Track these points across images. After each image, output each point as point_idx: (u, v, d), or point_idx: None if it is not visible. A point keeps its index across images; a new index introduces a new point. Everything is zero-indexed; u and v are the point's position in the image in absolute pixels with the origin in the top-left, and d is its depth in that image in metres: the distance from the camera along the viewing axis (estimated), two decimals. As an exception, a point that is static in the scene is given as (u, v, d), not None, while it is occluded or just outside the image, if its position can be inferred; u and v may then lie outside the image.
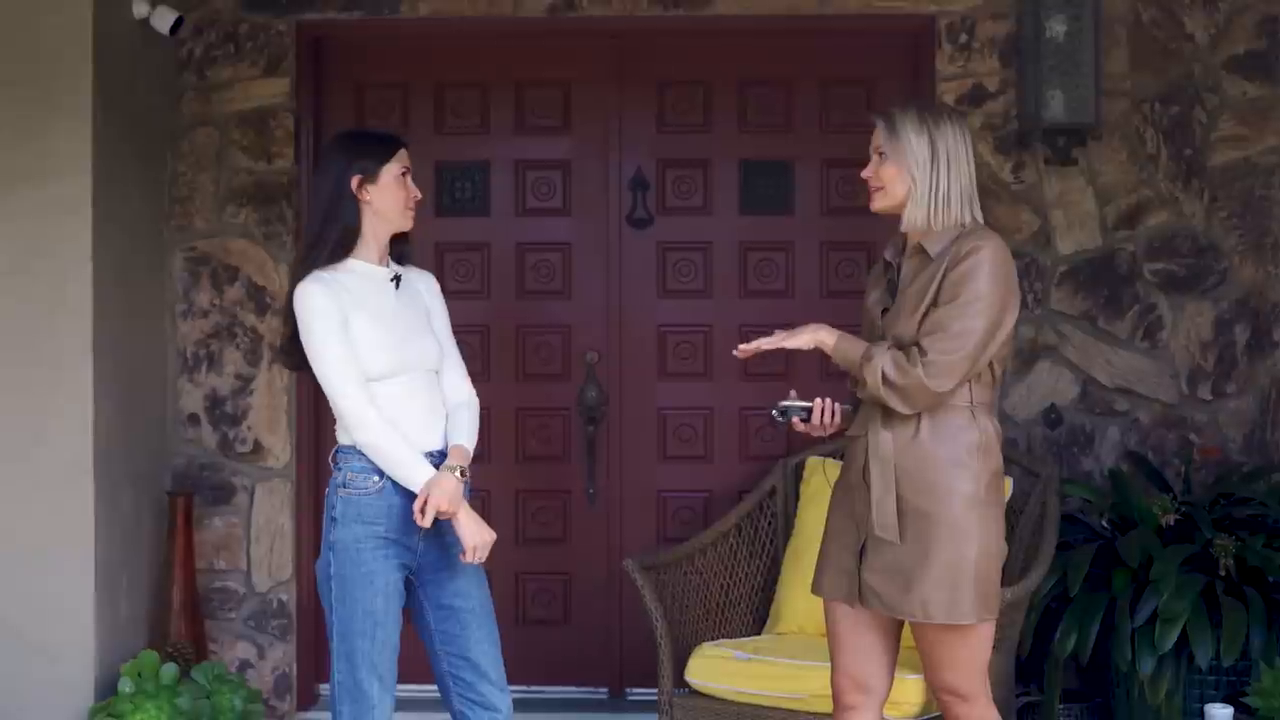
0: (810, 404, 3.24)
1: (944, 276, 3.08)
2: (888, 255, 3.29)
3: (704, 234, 5.02)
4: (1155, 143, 4.84)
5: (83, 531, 4.31)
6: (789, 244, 5.00)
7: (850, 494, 3.24)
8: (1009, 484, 4.33)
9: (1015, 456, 4.53)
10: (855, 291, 4.63)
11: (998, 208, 4.84)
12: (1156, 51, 4.83)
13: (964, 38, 4.85)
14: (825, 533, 3.33)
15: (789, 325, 4.80)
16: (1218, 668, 4.17)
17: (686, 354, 5.02)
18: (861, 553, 3.18)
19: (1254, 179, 4.83)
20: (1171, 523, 4.35)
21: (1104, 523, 4.54)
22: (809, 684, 3.79)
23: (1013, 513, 4.33)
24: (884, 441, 3.13)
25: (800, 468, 4.59)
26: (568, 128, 5.03)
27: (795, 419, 3.24)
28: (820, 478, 4.40)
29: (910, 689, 3.66)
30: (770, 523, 4.58)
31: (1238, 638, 4.08)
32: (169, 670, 4.33)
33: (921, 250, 3.16)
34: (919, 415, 3.11)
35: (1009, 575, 4.16)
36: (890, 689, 3.32)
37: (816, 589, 3.31)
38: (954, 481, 3.09)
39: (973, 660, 3.17)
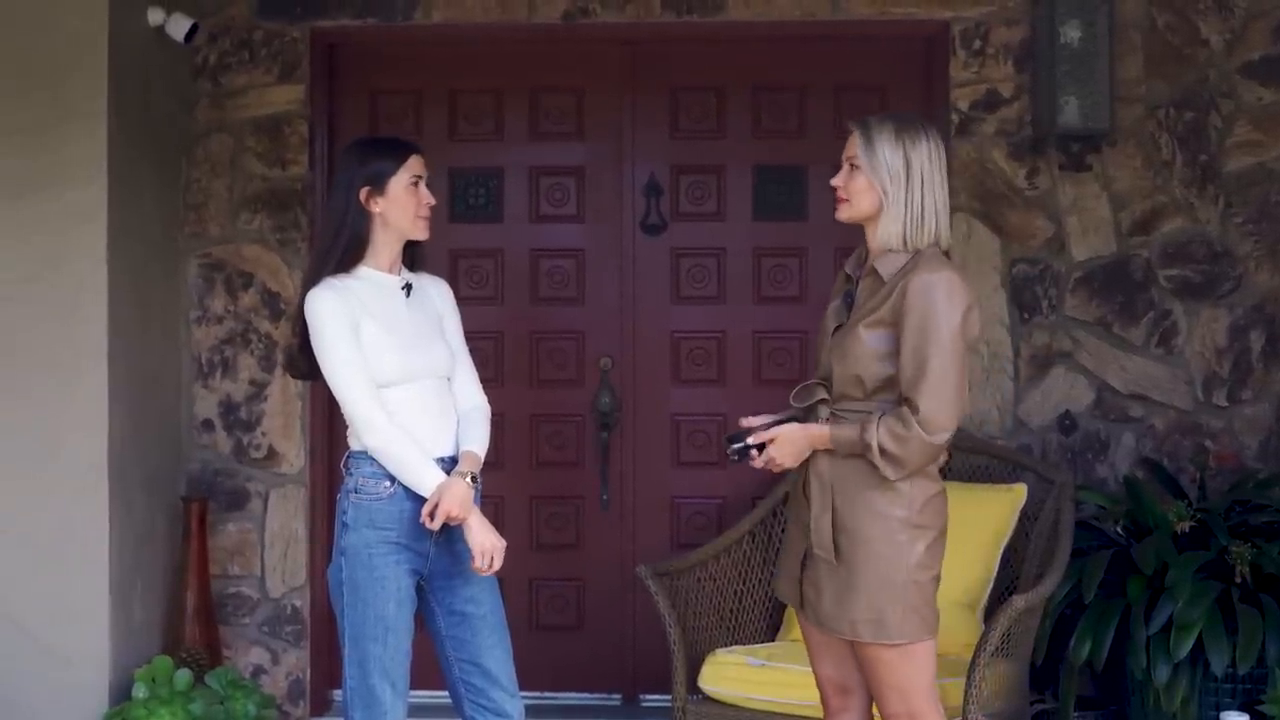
0: (758, 442, 3.17)
1: (901, 313, 3.04)
2: (848, 268, 3.27)
3: (717, 240, 5.02)
4: (1170, 149, 4.82)
5: (97, 536, 4.32)
6: (803, 250, 4.99)
7: (796, 505, 3.27)
8: (1023, 490, 4.33)
9: (1030, 463, 4.53)
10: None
11: (1012, 214, 4.83)
12: (1171, 57, 4.82)
13: (978, 44, 4.84)
14: (784, 539, 3.36)
15: (802, 332, 4.94)
16: (1233, 675, 4.15)
17: (700, 360, 5.02)
18: (804, 563, 3.20)
19: (1269, 185, 4.81)
20: (1187, 529, 4.33)
21: (1119, 529, 4.52)
22: (822, 691, 3.79)
23: (1027, 519, 4.32)
24: (821, 460, 3.15)
25: (814, 474, 4.57)
26: (581, 134, 5.04)
27: (753, 452, 3.18)
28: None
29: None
30: (784, 529, 4.57)
31: (1253, 645, 4.06)
32: (183, 676, 4.33)
33: (875, 271, 3.15)
34: None
35: (1024, 582, 4.16)
36: None
37: (774, 590, 3.37)
38: (885, 504, 3.08)
39: (911, 680, 3.13)
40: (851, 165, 3.17)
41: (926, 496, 3.12)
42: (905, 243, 3.12)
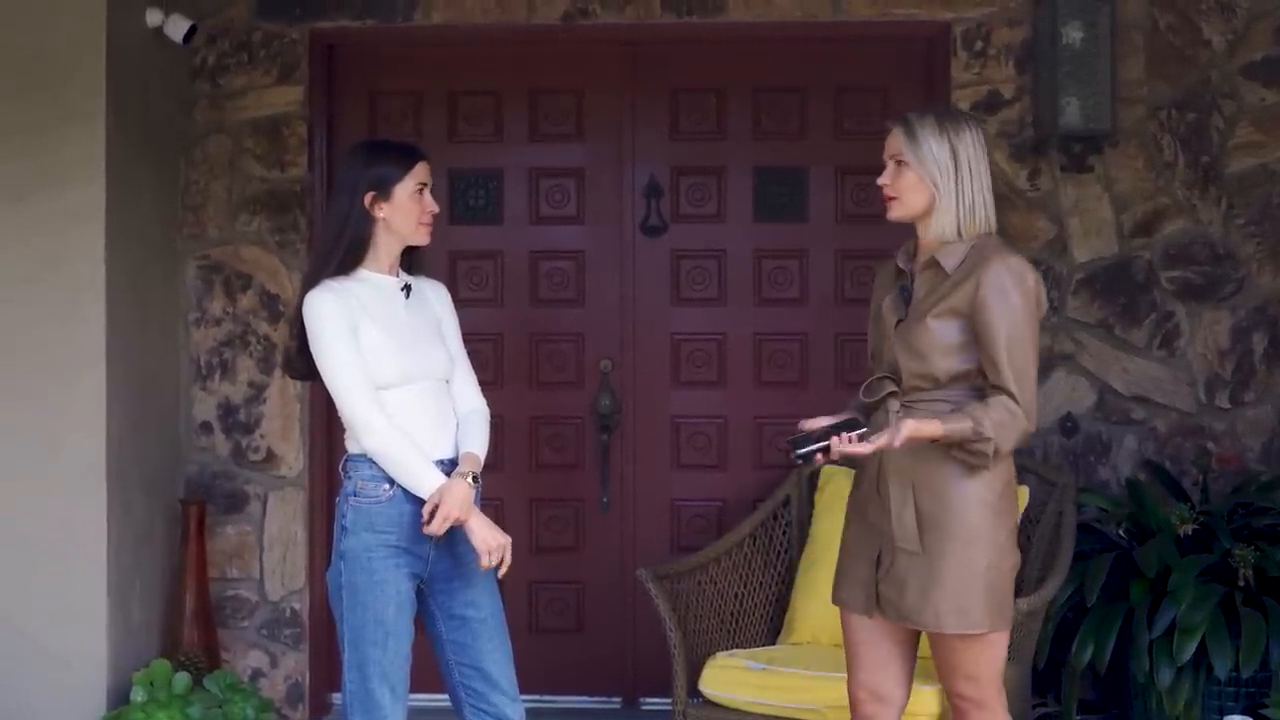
0: (826, 441, 3.10)
1: (979, 304, 3.03)
2: (900, 262, 3.25)
3: (718, 241, 5.00)
4: (1172, 150, 4.81)
5: (95, 539, 4.31)
6: (803, 251, 4.98)
7: (864, 505, 3.23)
8: (1025, 493, 4.31)
9: (1031, 465, 4.51)
10: (869, 300, 4.63)
11: (1013, 215, 4.82)
12: (1173, 58, 4.81)
13: (979, 44, 4.83)
14: (842, 545, 3.32)
15: (802, 334, 4.93)
16: (1237, 679, 4.14)
17: (700, 362, 5.01)
18: (878, 562, 3.17)
19: (1271, 186, 4.80)
20: (1189, 532, 4.32)
21: (1121, 532, 4.51)
22: (823, 695, 3.77)
23: (1029, 522, 4.30)
24: (899, 455, 3.11)
25: (815, 477, 4.56)
26: (581, 135, 5.03)
27: (819, 456, 3.12)
28: (835, 487, 4.38)
29: (927, 700, 3.64)
30: (785, 532, 4.56)
31: (1257, 648, 4.05)
32: (181, 679, 4.32)
33: (936, 263, 3.13)
34: None
35: (1025, 585, 4.14)
36: (908, 698, 3.30)
37: (836, 599, 3.31)
38: (968, 489, 3.08)
39: (988, 669, 3.16)
40: (897, 162, 3.14)
41: (1005, 481, 3.12)
42: (960, 234, 3.12)
